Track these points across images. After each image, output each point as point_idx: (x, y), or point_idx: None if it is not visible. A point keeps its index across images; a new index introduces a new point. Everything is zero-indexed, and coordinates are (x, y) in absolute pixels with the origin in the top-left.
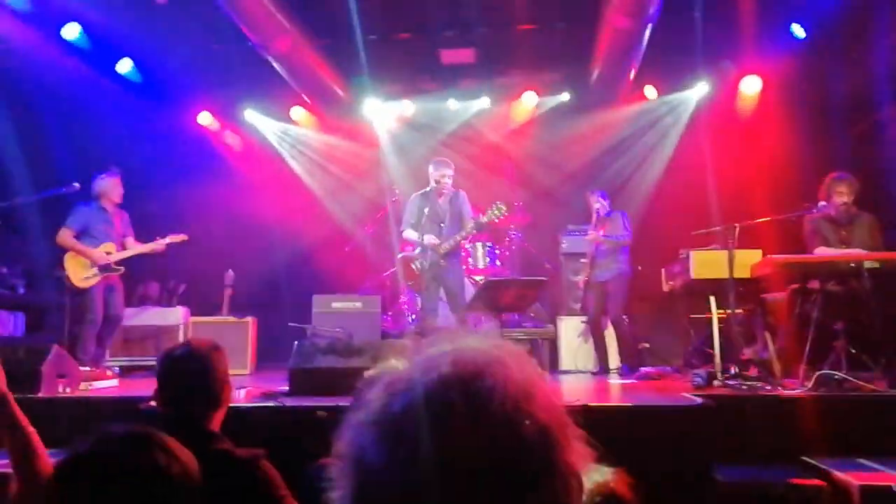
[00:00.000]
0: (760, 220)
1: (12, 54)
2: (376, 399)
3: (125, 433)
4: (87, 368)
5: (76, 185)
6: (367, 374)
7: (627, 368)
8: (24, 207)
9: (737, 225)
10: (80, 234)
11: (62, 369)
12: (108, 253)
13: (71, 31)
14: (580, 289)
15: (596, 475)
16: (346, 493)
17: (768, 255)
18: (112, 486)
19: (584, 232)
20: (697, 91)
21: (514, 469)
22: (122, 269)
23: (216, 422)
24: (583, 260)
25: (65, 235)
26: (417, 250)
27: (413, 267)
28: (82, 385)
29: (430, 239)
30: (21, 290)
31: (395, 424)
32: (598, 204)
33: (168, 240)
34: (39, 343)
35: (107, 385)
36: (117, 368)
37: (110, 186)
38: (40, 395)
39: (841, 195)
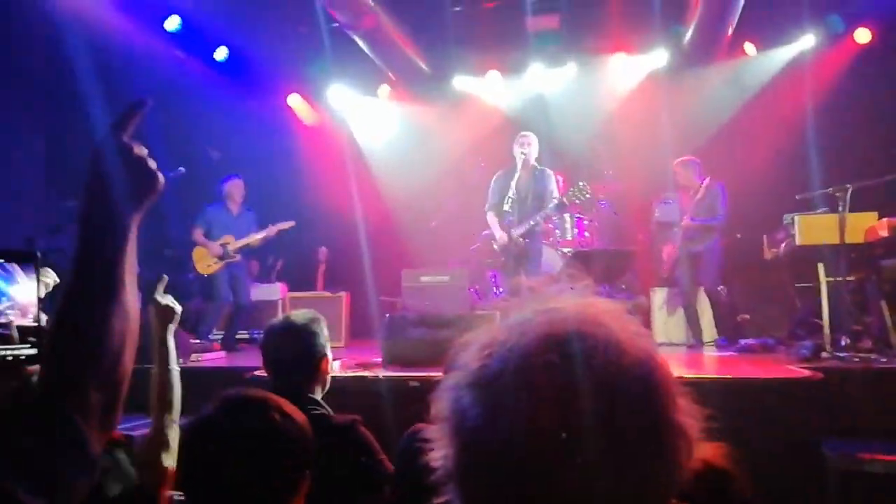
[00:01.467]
0: (876, 180)
1: (115, 46)
2: (473, 361)
3: (245, 397)
4: (198, 341)
5: (182, 169)
6: (458, 342)
7: (725, 340)
8: None
9: (849, 186)
10: (207, 232)
11: (176, 342)
12: (225, 244)
13: (172, 23)
14: (664, 260)
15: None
16: (449, 453)
17: (885, 218)
18: (236, 446)
19: (678, 202)
20: (802, 44)
21: (619, 428)
22: (239, 256)
23: (317, 389)
24: (676, 229)
25: (194, 233)
26: (499, 230)
27: (494, 247)
28: (193, 356)
29: (501, 237)
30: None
31: (492, 387)
32: (698, 179)
33: (277, 228)
34: None
35: (215, 356)
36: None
37: (232, 189)
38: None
39: None
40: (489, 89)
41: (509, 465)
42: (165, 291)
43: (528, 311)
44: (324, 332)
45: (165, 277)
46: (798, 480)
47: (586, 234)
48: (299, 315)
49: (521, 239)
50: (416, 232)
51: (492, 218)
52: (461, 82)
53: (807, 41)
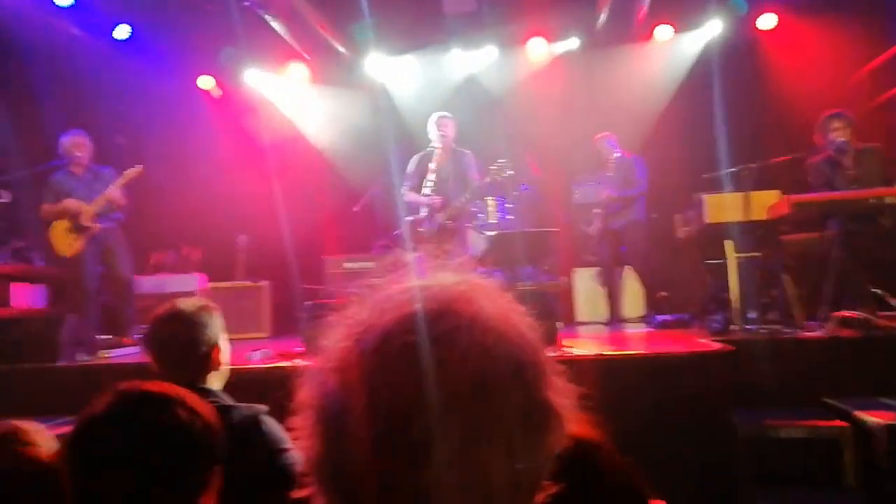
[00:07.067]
0: (776, 160)
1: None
2: (336, 344)
3: (142, 392)
4: (107, 336)
5: (79, 154)
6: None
7: (655, 317)
8: (24, 181)
9: (752, 165)
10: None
11: (80, 338)
12: (78, 213)
13: None
14: (593, 238)
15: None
16: (313, 442)
17: (785, 196)
18: (134, 448)
19: (596, 182)
20: (709, 30)
21: (483, 409)
22: (99, 225)
23: (211, 379)
24: (596, 210)
25: (43, 209)
26: (423, 213)
27: (420, 231)
28: (101, 353)
29: (433, 199)
30: (38, 263)
31: (352, 370)
32: (613, 153)
33: (125, 177)
34: (56, 313)
35: (126, 352)
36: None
37: (71, 146)
38: (59, 363)
39: (836, 131)
40: (405, 71)
41: (368, 454)
42: None
43: (395, 288)
44: (216, 321)
45: None
46: (711, 449)
47: (509, 216)
48: (187, 303)
49: (446, 222)
50: (338, 217)
51: (410, 194)
52: (377, 63)
53: (714, 26)
